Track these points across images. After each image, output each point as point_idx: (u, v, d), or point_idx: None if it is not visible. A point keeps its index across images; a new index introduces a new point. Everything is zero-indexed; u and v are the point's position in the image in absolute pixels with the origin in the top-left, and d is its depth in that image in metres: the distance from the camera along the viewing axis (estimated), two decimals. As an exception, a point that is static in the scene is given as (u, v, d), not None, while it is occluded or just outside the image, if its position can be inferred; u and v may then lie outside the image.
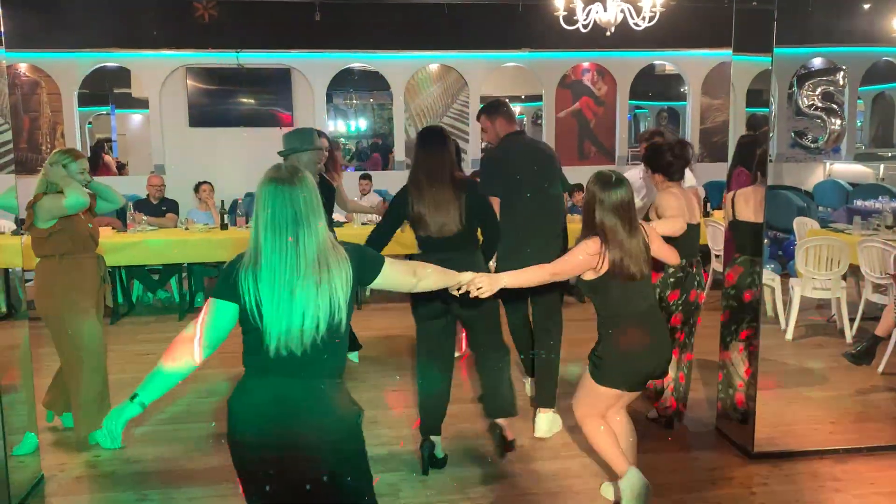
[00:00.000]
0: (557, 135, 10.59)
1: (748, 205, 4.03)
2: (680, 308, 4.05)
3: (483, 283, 2.70)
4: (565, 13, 7.22)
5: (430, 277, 2.48)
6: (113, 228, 7.09)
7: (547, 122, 10.65)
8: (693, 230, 3.95)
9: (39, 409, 4.45)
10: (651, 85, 13.26)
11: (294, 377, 2.10)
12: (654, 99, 13.97)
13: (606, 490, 3.49)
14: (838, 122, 10.20)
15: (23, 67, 9.61)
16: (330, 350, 2.12)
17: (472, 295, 2.69)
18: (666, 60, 11.16)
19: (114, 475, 3.80)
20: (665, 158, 3.91)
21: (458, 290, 2.67)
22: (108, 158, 11.18)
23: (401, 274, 2.37)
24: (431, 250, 3.51)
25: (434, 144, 3.55)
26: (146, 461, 3.95)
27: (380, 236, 3.61)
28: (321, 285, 2.08)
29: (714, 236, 6.87)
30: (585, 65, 10.71)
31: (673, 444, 4.06)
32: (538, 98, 11.23)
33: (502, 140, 4.15)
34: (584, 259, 3.04)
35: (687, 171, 4.12)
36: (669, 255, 3.38)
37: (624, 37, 7.81)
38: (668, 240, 3.47)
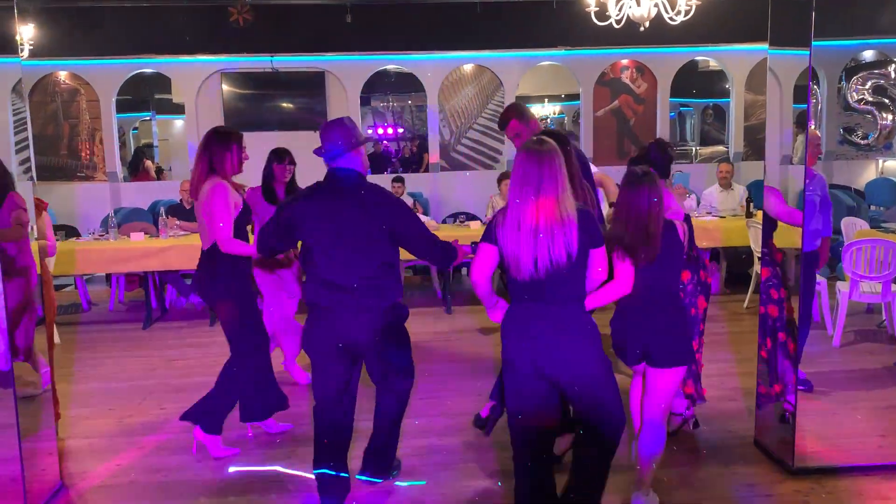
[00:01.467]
0: (596, 133, 10.41)
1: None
2: None
3: None
4: (597, 9, 7.06)
5: None
6: (146, 234, 7.15)
7: (585, 120, 10.47)
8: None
9: (64, 415, 4.49)
10: (695, 81, 12.99)
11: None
12: (699, 96, 13.69)
13: None
14: (890, 117, 9.79)
15: (63, 75, 9.81)
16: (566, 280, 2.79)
17: None
18: (708, 56, 10.88)
19: (135, 485, 3.79)
20: (647, 159, 3.81)
21: None
22: (147, 164, 11.36)
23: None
24: None
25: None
26: (168, 470, 3.92)
27: None
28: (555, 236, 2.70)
29: (757, 237, 6.64)
30: (624, 62, 10.51)
31: (709, 459, 3.88)
32: (576, 97, 11.06)
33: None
34: None
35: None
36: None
37: (663, 32, 7.62)
38: None
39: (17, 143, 4.24)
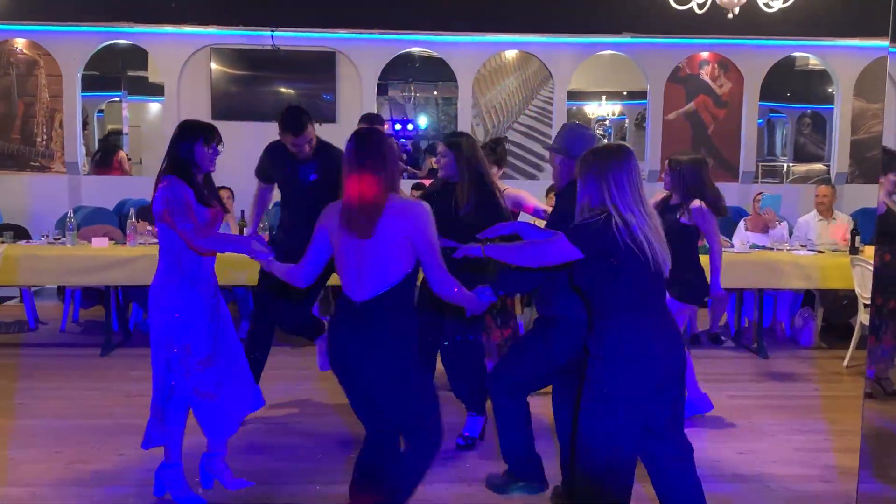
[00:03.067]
0: (666, 142, 10.40)
1: None
2: None
3: None
4: (676, -11, 7.11)
5: None
6: (110, 239, 7.25)
7: (653, 125, 10.48)
8: None
9: (2, 456, 4.52)
10: (790, 83, 12.96)
11: None
12: (794, 101, 13.67)
13: None
14: None
15: (20, 43, 9.99)
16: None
17: None
18: (808, 52, 10.86)
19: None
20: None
21: None
22: (122, 155, 11.51)
23: None
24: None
25: None
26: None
27: None
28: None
29: (863, 280, 6.59)
30: (704, 55, 10.51)
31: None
32: (642, 95, 11.07)
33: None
34: None
35: None
36: None
37: (755, 21, 7.65)
38: None
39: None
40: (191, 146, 4.03)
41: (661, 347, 3.21)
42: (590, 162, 3.29)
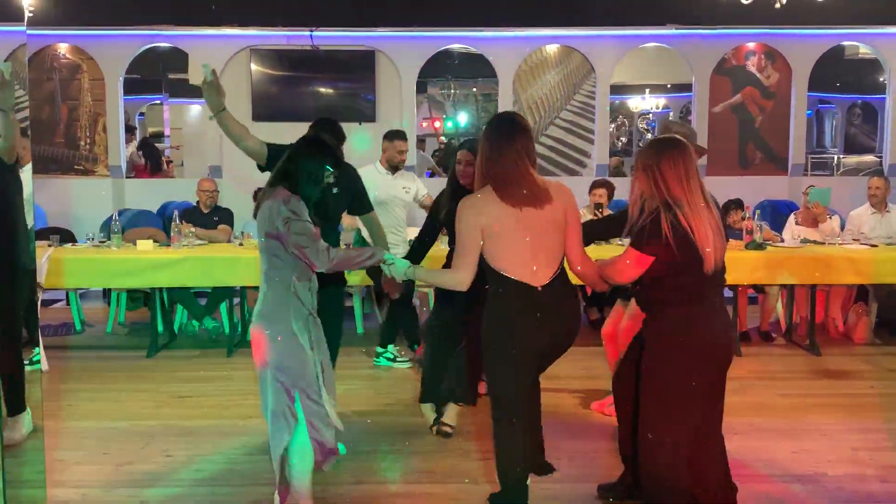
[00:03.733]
0: (712, 135, 10.30)
1: None
2: None
3: None
4: (722, -21, 7.03)
5: None
6: (154, 241, 7.34)
7: (698, 118, 10.38)
8: None
9: (51, 458, 4.62)
10: (839, 73, 12.78)
11: None
12: (844, 91, 13.48)
13: None
14: None
15: (62, 48, 10.19)
16: None
17: None
18: (858, 40, 10.69)
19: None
20: None
21: None
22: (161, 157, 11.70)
23: None
24: None
25: None
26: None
27: None
28: None
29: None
30: (750, 46, 10.40)
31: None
32: (687, 88, 10.98)
33: None
34: None
35: None
36: None
37: (802, 9, 7.54)
38: None
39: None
40: (319, 166, 3.81)
41: (713, 337, 3.32)
42: (643, 155, 3.38)
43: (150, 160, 11.95)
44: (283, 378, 3.65)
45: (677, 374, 3.35)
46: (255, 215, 3.84)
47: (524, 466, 3.76)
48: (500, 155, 3.53)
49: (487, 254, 3.56)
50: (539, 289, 3.52)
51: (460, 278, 3.60)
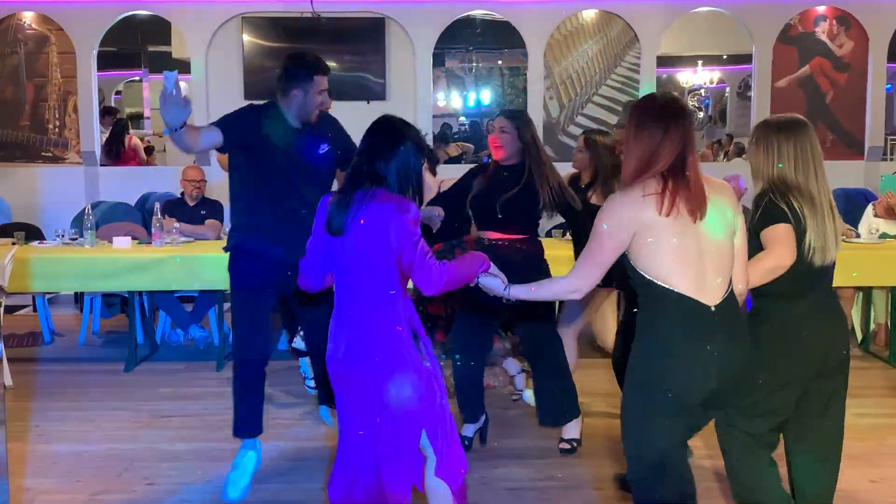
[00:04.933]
0: (775, 113, 10.22)
1: None
2: None
3: None
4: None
5: None
6: (133, 239, 7.35)
7: (759, 94, 10.35)
8: None
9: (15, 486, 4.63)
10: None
11: None
12: (929, 62, 13.38)
13: None
14: None
15: (28, 17, 10.23)
16: None
17: None
18: (947, 3, 10.63)
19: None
20: None
21: None
22: (134, 141, 11.68)
23: None
24: None
25: None
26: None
27: None
28: None
29: None
30: (820, 10, 10.36)
31: None
32: (746, 59, 10.93)
33: None
34: None
35: None
36: None
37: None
38: None
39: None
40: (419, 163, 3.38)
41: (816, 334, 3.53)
42: (756, 135, 3.66)
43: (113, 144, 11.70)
44: None
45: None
46: None
47: None
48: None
49: (642, 261, 3.09)
50: (713, 308, 3.05)
51: (576, 286, 3.17)
